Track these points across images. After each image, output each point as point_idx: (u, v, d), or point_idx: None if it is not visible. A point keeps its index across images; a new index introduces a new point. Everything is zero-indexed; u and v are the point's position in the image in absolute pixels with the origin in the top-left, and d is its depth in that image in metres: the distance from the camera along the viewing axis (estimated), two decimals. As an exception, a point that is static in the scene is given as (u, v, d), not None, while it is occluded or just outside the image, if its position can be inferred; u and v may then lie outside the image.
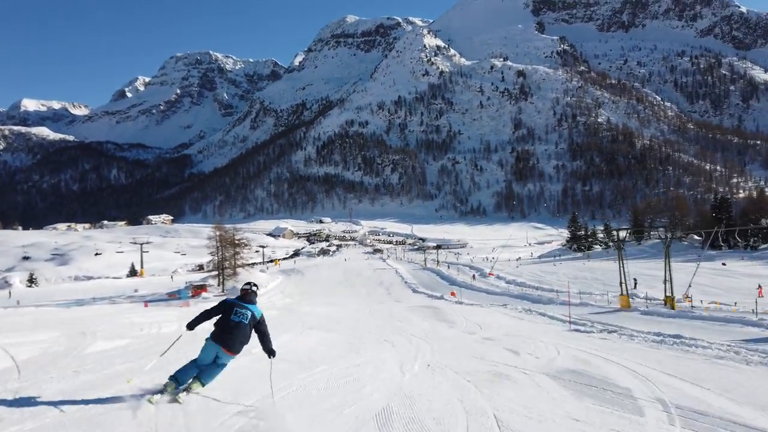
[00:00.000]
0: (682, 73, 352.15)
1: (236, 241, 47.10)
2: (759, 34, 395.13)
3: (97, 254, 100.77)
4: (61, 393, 6.06)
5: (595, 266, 46.11)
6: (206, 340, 6.18)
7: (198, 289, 43.07)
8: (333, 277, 59.01)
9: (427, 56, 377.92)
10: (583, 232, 73.40)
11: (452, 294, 34.42)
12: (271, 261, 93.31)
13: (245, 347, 6.35)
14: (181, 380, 5.99)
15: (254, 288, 6.64)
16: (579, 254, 66.38)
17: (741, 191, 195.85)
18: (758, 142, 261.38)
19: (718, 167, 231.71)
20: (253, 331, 6.31)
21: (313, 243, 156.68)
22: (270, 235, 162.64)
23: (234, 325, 6.10)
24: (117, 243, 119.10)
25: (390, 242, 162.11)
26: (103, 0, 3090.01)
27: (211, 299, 39.35)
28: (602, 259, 53.23)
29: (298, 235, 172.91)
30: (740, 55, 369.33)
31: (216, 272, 45.64)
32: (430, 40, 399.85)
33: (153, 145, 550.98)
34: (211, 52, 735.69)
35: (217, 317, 6.31)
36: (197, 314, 6.51)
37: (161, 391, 5.88)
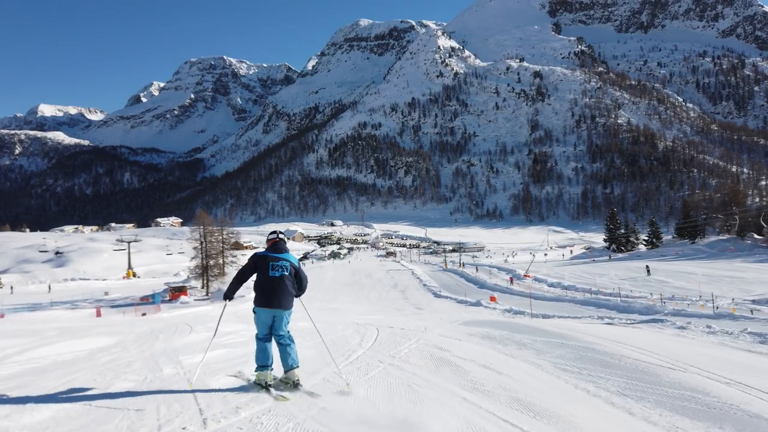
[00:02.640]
0: (704, 74, 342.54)
1: (224, 239, 41.11)
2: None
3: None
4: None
5: (639, 266, 39.72)
6: (254, 309, 5.58)
7: (176, 292, 37.25)
8: (339, 278, 52.65)
9: (441, 57, 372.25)
10: (623, 231, 66.10)
11: (492, 299, 27.97)
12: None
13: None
14: (268, 364, 5.49)
15: (281, 235, 5.92)
16: (620, 255, 59.28)
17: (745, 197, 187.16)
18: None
19: (745, 169, 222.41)
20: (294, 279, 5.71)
21: (324, 246, 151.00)
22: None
23: (276, 280, 5.49)
24: (121, 245, 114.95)
25: (403, 245, 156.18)
26: (119, 7, 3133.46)
27: (191, 303, 33.51)
28: (652, 260, 46.58)
29: (308, 238, 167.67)
30: (764, 55, 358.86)
31: (201, 273, 39.68)
32: (445, 42, 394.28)
33: (166, 150, 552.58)
34: (225, 57, 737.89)
35: (253, 278, 5.64)
36: (230, 281, 5.76)
37: (269, 386, 5.30)
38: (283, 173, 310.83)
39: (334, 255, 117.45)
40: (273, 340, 5.61)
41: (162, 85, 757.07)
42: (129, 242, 63.93)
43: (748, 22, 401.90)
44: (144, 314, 25.96)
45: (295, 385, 5.35)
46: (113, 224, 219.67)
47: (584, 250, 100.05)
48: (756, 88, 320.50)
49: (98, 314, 24.73)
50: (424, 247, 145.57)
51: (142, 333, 11.20)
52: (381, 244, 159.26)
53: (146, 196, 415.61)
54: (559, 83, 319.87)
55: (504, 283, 37.27)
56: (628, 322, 14.20)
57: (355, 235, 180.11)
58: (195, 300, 35.69)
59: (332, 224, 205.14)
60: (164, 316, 25.44)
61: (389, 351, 7.74)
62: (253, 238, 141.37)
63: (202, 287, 40.05)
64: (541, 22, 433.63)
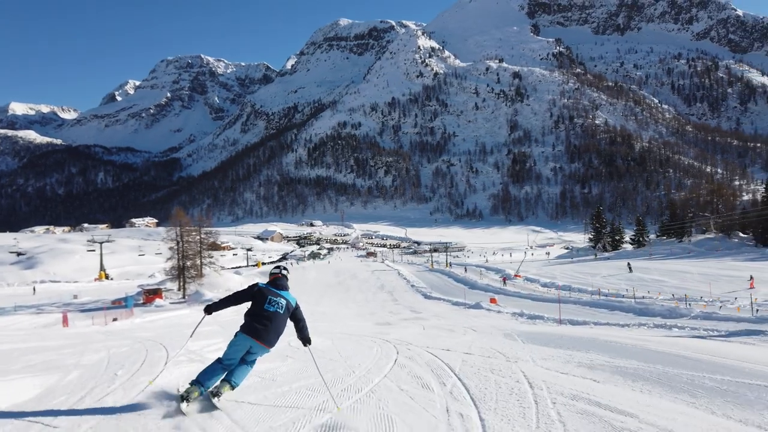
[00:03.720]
0: (678, 76, 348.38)
1: (201, 239, 39.27)
2: (756, 37, 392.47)
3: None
4: None
5: (638, 265, 38.98)
6: (236, 334, 5.40)
7: (151, 295, 35.30)
8: (323, 279, 51.00)
9: (421, 57, 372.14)
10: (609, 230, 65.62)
11: (493, 301, 26.55)
12: (254, 265, 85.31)
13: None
14: (205, 384, 5.18)
15: (284, 272, 5.87)
16: (606, 254, 58.76)
17: (744, 194, 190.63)
18: (758, 144, 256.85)
19: (719, 170, 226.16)
20: (288, 320, 5.62)
21: (303, 246, 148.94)
22: (258, 238, 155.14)
23: (269, 315, 5.37)
24: (93, 246, 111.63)
25: (383, 245, 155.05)
26: (94, 3, 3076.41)
27: (166, 307, 31.73)
28: (640, 259, 46.05)
29: (287, 239, 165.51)
30: (737, 58, 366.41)
31: (177, 274, 37.77)
32: (425, 42, 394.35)
33: (142, 149, 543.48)
34: (202, 55, 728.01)
35: (248, 305, 5.54)
36: (222, 297, 5.81)
37: (185, 398, 4.96)
38: (262, 173, 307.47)
39: (314, 255, 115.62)
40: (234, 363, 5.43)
41: (138, 83, 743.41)
42: (101, 243, 61.11)
43: (722, 25, 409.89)
44: (115, 319, 24.24)
45: (214, 395, 5.13)
46: (86, 225, 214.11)
47: (566, 250, 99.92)
48: (729, 90, 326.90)
49: (65, 322, 22.89)
50: (404, 247, 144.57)
51: (92, 366, 7.48)
52: (361, 244, 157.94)
53: (121, 196, 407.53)
54: (537, 84, 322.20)
55: (496, 284, 36.09)
56: (715, 333, 12.25)
57: (335, 235, 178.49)
58: (171, 303, 33.86)
59: (312, 224, 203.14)
60: (137, 322, 23.73)
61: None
62: (231, 238, 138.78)
63: (179, 289, 38.17)
64: (520, 24, 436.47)
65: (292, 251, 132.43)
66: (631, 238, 64.50)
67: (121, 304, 31.59)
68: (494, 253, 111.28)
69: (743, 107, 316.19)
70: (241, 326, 5.37)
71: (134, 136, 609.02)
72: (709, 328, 12.94)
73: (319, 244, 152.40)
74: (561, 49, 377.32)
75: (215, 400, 5.09)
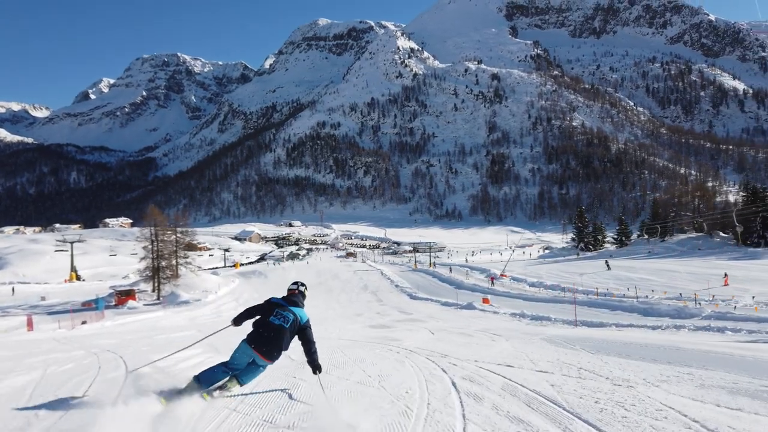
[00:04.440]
0: (653, 79, 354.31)
1: (177, 239, 37.86)
2: (727, 42, 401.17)
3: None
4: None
5: (623, 264, 38.78)
6: (241, 342, 5.40)
7: (123, 297, 33.76)
8: (304, 280, 49.26)
9: (400, 58, 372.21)
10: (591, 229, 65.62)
11: (485, 301, 25.60)
12: (233, 265, 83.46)
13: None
14: (204, 385, 5.12)
15: (302, 288, 5.90)
16: (589, 253, 58.69)
17: (718, 195, 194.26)
18: (730, 147, 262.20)
19: (693, 171, 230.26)
20: (296, 337, 5.55)
21: (282, 247, 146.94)
22: (235, 238, 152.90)
23: (272, 328, 5.33)
24: (63, 245, 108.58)
25: (363, 246, 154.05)
26: (68, 1, 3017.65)
27: (140, 309, 30.37)
28: (624, 258, 45.90)
29: (265, 239, 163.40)
30: (709, 62, 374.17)
31: (151, 275, 36.32)
32: (404, 43, 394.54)
33: (116, 148, 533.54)
34: (179, 54, 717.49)
35: (258, 317, 5.57)
36: (242, 310, 5.74)
37: (179, 392, 4.92)
38: (240, 173, 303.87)
39: (293, 256, 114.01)
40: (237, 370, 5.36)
41: (112, 81, 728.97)
42: (72, 242, 58.82)
43: (695, 29, 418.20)
44: (84, 322, 22.89)
45: (220, 389, 5.18)
46: (58, 225, 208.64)
47: (546, 250, 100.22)
48: (702, 93, 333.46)
49: (29, 325, 21.50)
50: (384, 248, 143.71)
51: (6, 396, 5.27)
52: (341, 244, 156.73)
53: (94, 196, 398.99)
54: (516, 86, 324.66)
55: (483, 284, 35.49)
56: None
57: (314, 235, 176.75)
58: (145, 305, 32.47)
59: (290, 225, 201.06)
60: (107, 325, 22.46)
61: None
62: (208, 239, 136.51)
63: (153, 290, 36.70)
64: (499, 26, 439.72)
65: (270, 252, 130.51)
66: (613, 238, 64.90)
67: (92, 306, 30.13)
68: (474, 253, 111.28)
69: (715, 110, 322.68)
70: (247, 335, 5.34)
71: (108, 135, 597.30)
72: (755, 330, 12.18)
73: (298, 245, 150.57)
74: (539, 52, 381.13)
75: (217, 393, 5.05)
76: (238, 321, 5.58)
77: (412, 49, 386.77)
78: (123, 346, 9.86)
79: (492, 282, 34.39)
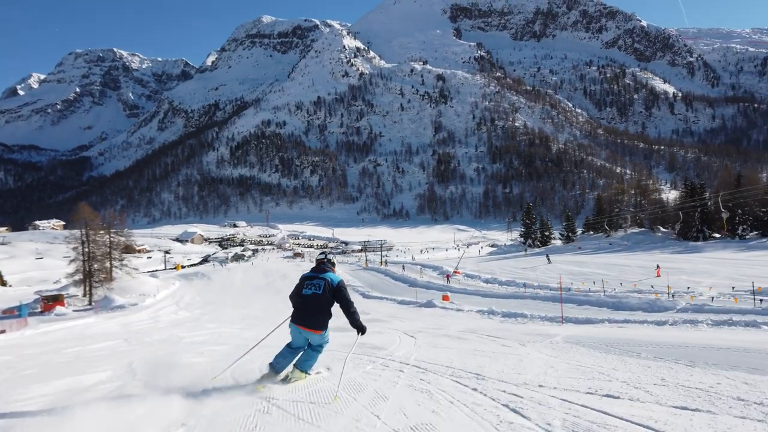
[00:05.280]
0: (590, 82, 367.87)
1: (111, 239, 35.52)
2: (658, 47, 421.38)
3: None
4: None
5: (572, 260, 39.30)
6: (289, 324, 5.68)
7: (50, 303, 31.18)
8: (251, 281, 48.01)
9: (346, 57, 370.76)
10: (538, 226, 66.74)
11: (445, 298, 24.78)
12: (174, 267, 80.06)
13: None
14: (278, 367, 5.50)
15: (329, 256, 6.06)
16: (537, 249, 59.55)
17: (657, 193, 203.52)
18: (662, 147, 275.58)
19: (628, 170, 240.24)
20: (333, 301, 5.59)
21: (227, 248, 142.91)
22: (177, 240, 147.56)
23: (305, 298, 5.49)
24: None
25: (311, 246, 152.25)
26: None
27: (69, 315, 28.12)
28: (572, 253, 46.67)
29: (209, 240, 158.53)
30: (642, 66, 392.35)
31: (82, 279, 33.89)
32: (350, 42, 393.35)
33: (47, 147, 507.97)
34: (115, 49, 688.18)
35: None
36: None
37: (258, 381, 5.35)
38: (181, 172, 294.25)
39: (238, 257, 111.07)
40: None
41: (43, 77, 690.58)
42: (-6, 246, 54.47)
43: (628, 35, 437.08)
44: (3, 331, 20.77)
45: (287, 380, 5.38)
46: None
47: (493, 248, 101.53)
48: (635, 96, 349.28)
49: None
50: (332, 248, 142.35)
51: None
52: (288, 245, 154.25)
53: (23, 197, 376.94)
54: (460, 86, 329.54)
55: (437, 281, 34.84)
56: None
57: (260, 236, 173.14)
58: (75, 311, 30.11)
59: (235, 225, 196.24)
60: (28, 334, 20.49)
61: None
62: (148, 241, 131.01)
63: (84, 295, 34.24)
64: (443, 27, 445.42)
65: (214, 253, 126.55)
66: (561, 234, 66.34)
67: (14, 313, 27.65)
68: (422, 251, 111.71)
69: (648, 112, 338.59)
70: (291, 314, 5.65)
71: (39, 133, 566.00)
72: (752, 322, 11.73)
73: (243, 246, 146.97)
74: (482, 53, 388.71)
75: (286, 385, 5.25)
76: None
77: (358, 49, 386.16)
78: (20, 365, 8.18)
79: (448, 279, 34.02)
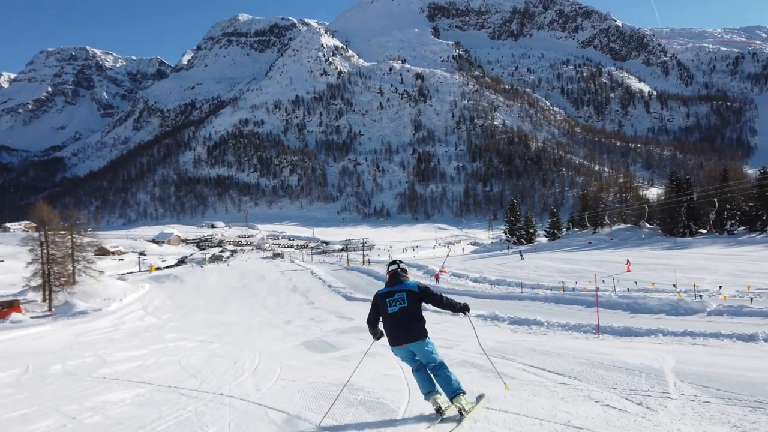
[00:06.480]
0: (567, 81, 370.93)
1: (73, 240, 33.59)
2: (633, 47, 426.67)
3: None
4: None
5: (562, 257, 38.50)
6: (392, 350, 5.42)
7: (5, 309, 28.94)
8: (227, 283, 46.32)
9: (325, 56, 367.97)
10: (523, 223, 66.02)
11: None
12: (147, 270, 77.72)
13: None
14: (434, 389, 5.18)
15: (401, 264, 5.62)
16: (522, 247, 58.82)
17: (641, 189, 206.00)
18: (638, 145, 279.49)
19: (606, 168, 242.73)
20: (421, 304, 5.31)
21: (204, 249, 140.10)
22: (153, 241, 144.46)
23: (393, 317, 5.18)
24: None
25: (291, 246, 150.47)
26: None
27: (26, 322, 26.22)
28: (557, 251, 45.95)
29: (186, 241, 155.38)
30: (617, 65, 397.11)
31: (41, 283, 31.95)
32: (328, 40, 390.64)
33: (19, 148, 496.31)
34: (88, 47, 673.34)
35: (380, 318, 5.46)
36: (368, 327, 5.62)
37: (439, 412, 5.06)
38: (157, 172, 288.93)
39: (216, 258, 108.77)
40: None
41: (13, 76, 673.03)
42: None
43: (604, 34, 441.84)
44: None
45: (460, 413, 4.88)
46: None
47: (474, 246, 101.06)
48: (612, 95, 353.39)
49: None
50: (312, 248, 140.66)
51: None
52: (267, 245, 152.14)
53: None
54: (439, 85, 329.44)
55: (425, 281, 33.41)
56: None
57: (239, 236, 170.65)
58: (32, 318, 28.10)
59: (213, 226, 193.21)
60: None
61: None
62: (123, 242, 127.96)
63: (44, 300, 32.25)
64: (421, 26, 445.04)
65: (191, 254, 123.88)
66: (546, 231, 65.84)
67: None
68: (405, 250, 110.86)
69: (624, 111, 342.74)
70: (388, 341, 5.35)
71: (9, 133, 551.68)
72: None
73: (221, 246, 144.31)
74: (460, 52, 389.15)
75: (466, 415, 4.87)
76: (375, 335, 5.48)
77: (336, 47, 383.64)
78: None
79: (437, 279, 32.93)
